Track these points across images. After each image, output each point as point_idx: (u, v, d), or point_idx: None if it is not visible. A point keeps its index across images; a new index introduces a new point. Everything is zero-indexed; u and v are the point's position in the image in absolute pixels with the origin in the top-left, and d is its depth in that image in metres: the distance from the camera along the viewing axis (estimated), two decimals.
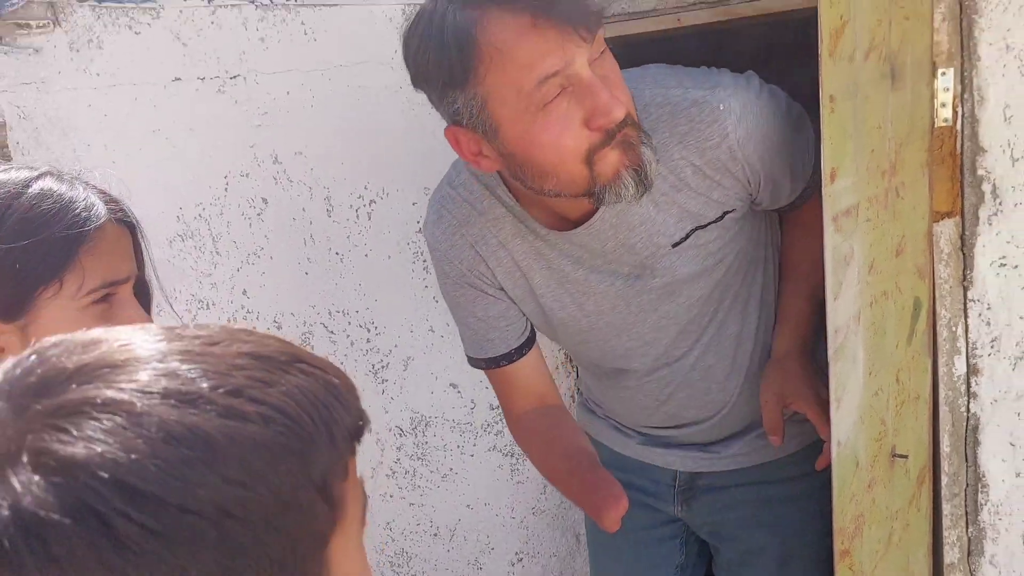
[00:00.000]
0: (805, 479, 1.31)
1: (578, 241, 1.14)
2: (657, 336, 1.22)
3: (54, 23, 1.74)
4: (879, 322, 1.15)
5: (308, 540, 0.45)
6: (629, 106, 0.99)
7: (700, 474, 1.35)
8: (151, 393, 0.41)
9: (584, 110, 0.95)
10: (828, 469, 1.21)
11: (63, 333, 0.85)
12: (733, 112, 1.05)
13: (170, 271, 1.79)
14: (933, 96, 1.37)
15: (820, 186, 1.13)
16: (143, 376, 0.42)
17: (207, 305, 1.79)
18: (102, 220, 0.85)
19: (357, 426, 0.49)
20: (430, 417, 1.73)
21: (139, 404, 0.41)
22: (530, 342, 1.28)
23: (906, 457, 1.25)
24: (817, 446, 1.23)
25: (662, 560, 1.44)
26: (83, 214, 0.84)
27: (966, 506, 1.53)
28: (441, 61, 0.95)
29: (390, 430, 1.75)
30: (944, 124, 1.39)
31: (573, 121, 0.95)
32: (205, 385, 0.42)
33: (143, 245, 0.94)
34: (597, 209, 1.08)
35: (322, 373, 0.48)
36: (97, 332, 0.47)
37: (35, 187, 0.84)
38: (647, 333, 1.22)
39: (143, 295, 0.96)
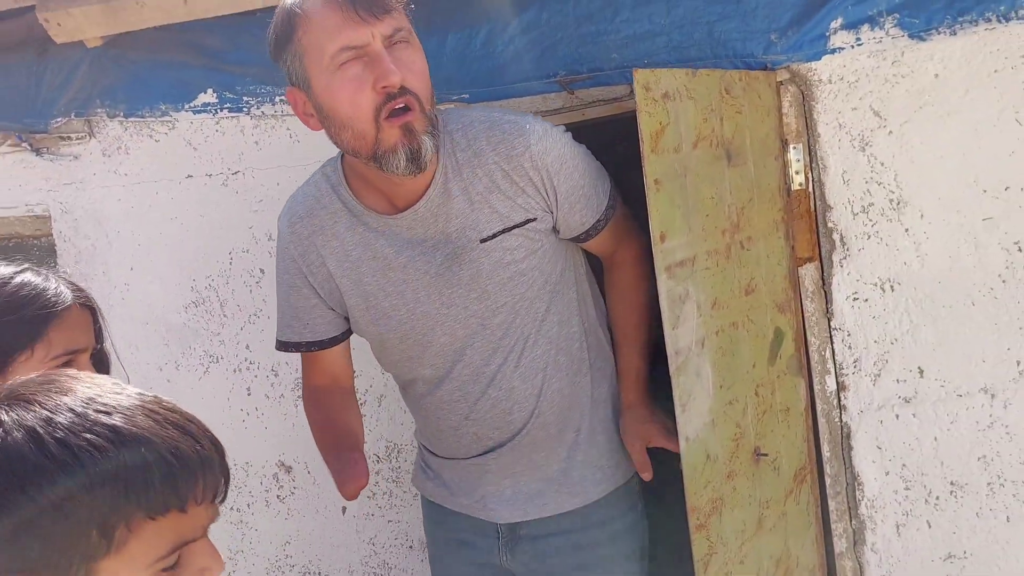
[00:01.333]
0: (612, 522, 1.51)
1: (404, 224, 1.34)
2: (467, 334, 1.38)
3: (89, 135, 2.14)
4: (727, 346, 1.48)
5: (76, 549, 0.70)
6: (414, 84, 1.24)
7: (520, 524, 1.49)
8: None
9: (373, 75, 1.21)
10: (633, 511, 1.53)
11: None
12: (536, 132, 1.33)
13: (186, 332, 2.15)
14: (786, 166, 1.72)
15: (609, 222, 1.45)
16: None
17: (217, 359, 2.15)
18: (67, 303, 1.05)
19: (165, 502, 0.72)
20: (402, 444, 2.05)
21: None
22: (333, 342, 1.49)
23: (767, 455, 1.55)
24: (620, 491, 1.52)
25: None
26: (52, 299, 1.04)
27: (848, 502, 1.83)
28: (275, 29, 1.28)
29: (369, 458, 2.07)
30: (799, 188, 1.74)
31: (365, 83, 1.21)
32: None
33: (102, 324, 1.14)
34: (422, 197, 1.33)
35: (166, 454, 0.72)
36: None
37: (17, 279, 1.05)
38: (458, 329, 1.38)
39: (101, 363, 1.15)
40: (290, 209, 1.47)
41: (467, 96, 1.85)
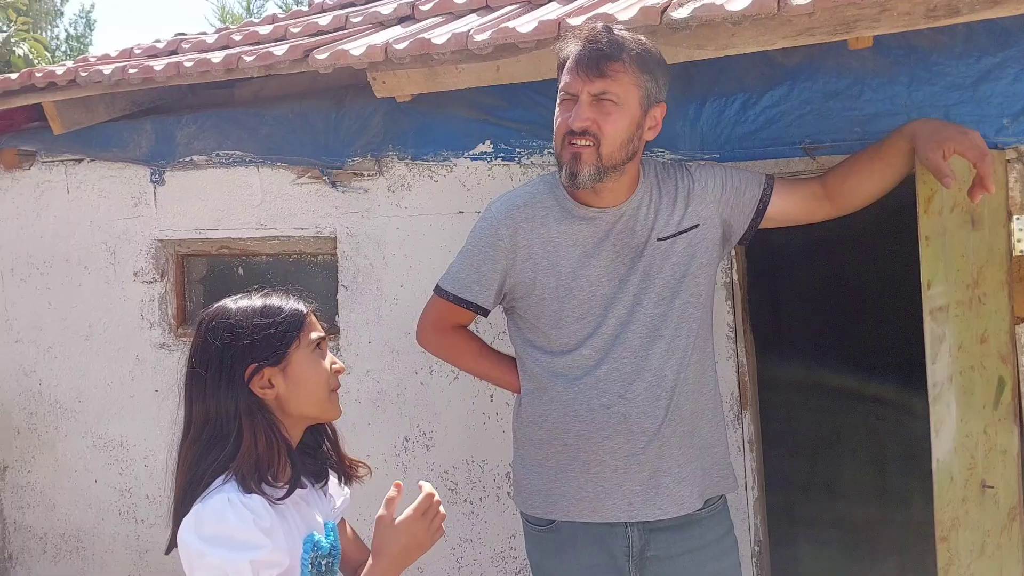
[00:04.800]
0: (725, 537, 1.81)
1: (608, 219, 1.72)
2: (631, 320, 1.72)
3: (379, 173, 2.55)
4: (967, 386, 1.69)
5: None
6: (598, 131, 1.63)
7: (647, 545, 1.74)
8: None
9: (570, 114, 1.65)
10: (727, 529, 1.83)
11: (303, 369, 1.42)
12: (692, 164, 1.83)
13: None
14: (1010, 235, 1.94)
15: (775, 181, 1.78)
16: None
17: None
18: (309, 311, 1.41)
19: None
20: None
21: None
22: (486, 313, 1.84)
23: (993, 488, 1.75)
24: (722, 501, 1.82)
25: None
26: (300, 308, 1.40)
27: None
28: (557, 63, 1.73)
29: None
30: (1020, 254, 1.95)
31: (564, 117, 1.66)
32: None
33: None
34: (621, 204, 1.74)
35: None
36: None
37: (274, 302, 1.40)
38: (625, 315, 1.73)
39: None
40: (508, 199, 1.82)
41: (718, 155, 2.16)
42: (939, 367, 1.57)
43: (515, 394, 1.89)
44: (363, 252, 2.60)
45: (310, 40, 2.43)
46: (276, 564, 1.22)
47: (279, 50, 2.29)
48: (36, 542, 3.33)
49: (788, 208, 1.79)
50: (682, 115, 2.18)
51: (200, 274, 3.07)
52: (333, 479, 1.48)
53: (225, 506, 1.20)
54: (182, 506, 1.26)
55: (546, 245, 1.77)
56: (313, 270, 2.81)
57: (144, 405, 3.03)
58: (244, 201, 2.78)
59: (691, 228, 1.75)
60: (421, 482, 1.39)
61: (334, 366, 1.41)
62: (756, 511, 2.23)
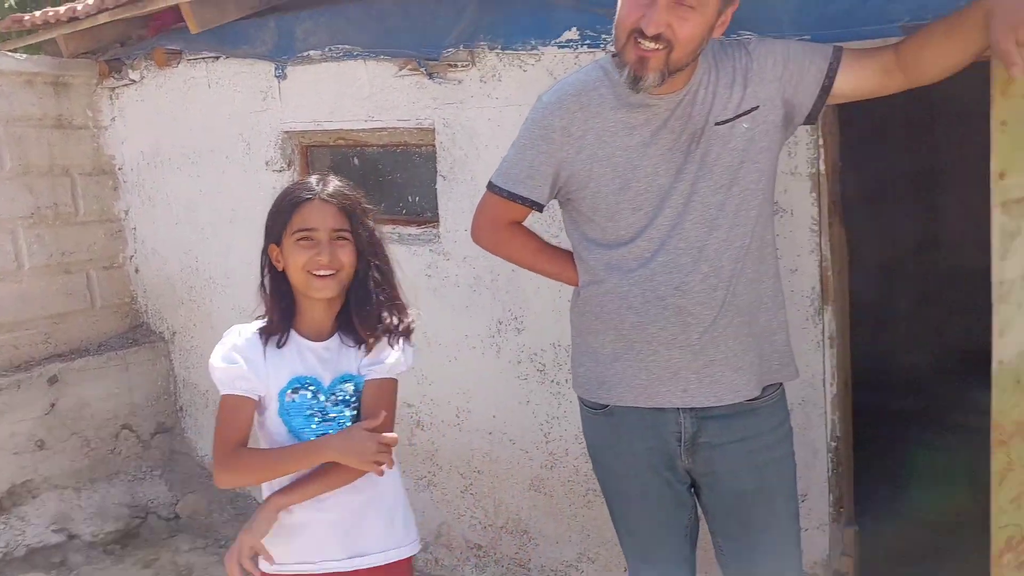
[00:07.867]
0: (780, 427, 1.81)
1: (664, 105, 1.66)
2: (687, 210, 1.69)
3: (471, 63, 2.59)
4: None
5: None
6: (669, 34, 1.53)
7: (699, 431, 1.77)
8: None
9: (644, 13, 1.54)
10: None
11: (288, 253, 1.62)
12: (752, 41, 1.73)
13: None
14: None
15: (843, 53, 1.65)
16: None
17: None
18: (309, 200, 1.66)
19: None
20: None
21: None
22: (541, 208, 1.81)
23: None
24: (780, 390, 1.82)
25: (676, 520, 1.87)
26: (301, 198, 1.68)
27: None
28: None
29: None
30: None
31: (637, 12, 1.55)
32: None
33: None
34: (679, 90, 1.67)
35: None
36: None
37: (295, 187, 1.70)
38: (681, 205, 1.69)
39: None
40: (560, 88, 1.78)
41: (808, 37, 2.02)
42: (1010, 264, 1.46)
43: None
44: (458, 143, 2.68)
45: None
46: (247, 378, 1.61)
47: None
48: (200, 397, 3.84)
49: (858, 82, 1.66)
50: None
51: (324, 164, 3.29)
52: (398, 345, 1.71)
53: (229, 333, 1.67)
54: None
55: (601, 135, 1.73)
56: (418, 160, 2.94)
57: None
58: (354, 93, 2.92)
59: (750, 111, 1.67)
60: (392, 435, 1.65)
61: (317, 258, 1.59)
62: (835, 407, 2.19)
